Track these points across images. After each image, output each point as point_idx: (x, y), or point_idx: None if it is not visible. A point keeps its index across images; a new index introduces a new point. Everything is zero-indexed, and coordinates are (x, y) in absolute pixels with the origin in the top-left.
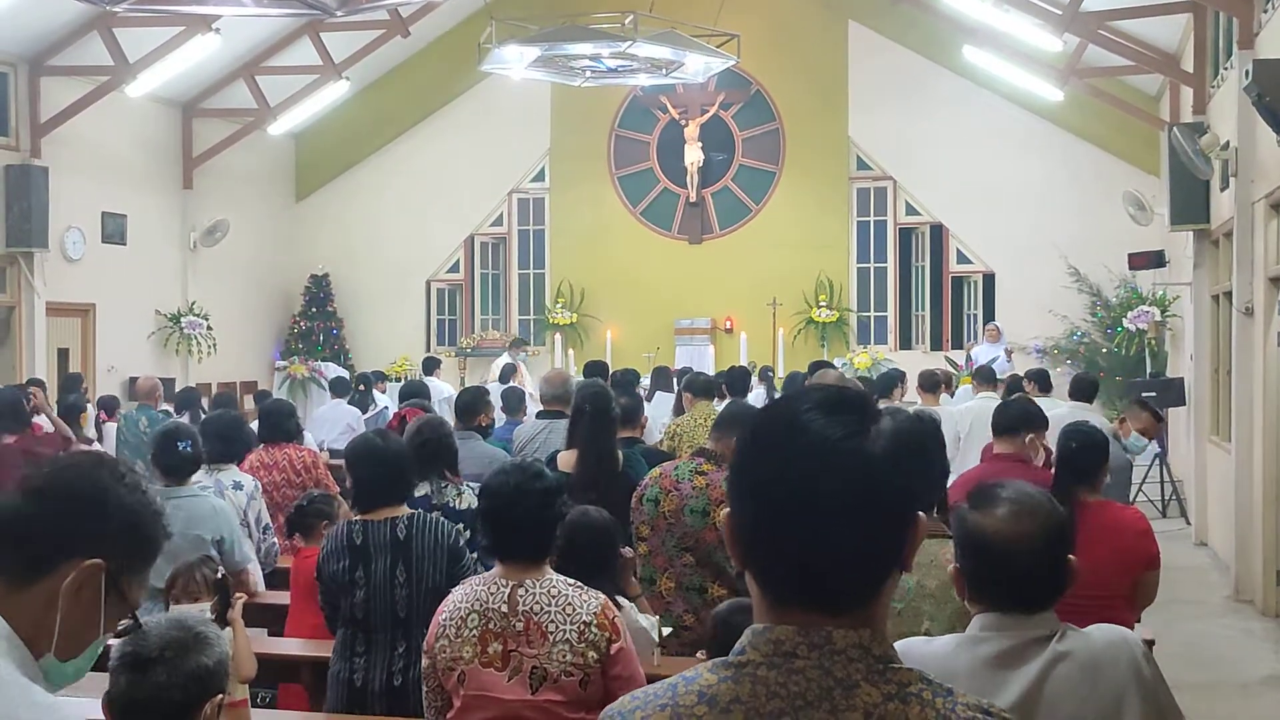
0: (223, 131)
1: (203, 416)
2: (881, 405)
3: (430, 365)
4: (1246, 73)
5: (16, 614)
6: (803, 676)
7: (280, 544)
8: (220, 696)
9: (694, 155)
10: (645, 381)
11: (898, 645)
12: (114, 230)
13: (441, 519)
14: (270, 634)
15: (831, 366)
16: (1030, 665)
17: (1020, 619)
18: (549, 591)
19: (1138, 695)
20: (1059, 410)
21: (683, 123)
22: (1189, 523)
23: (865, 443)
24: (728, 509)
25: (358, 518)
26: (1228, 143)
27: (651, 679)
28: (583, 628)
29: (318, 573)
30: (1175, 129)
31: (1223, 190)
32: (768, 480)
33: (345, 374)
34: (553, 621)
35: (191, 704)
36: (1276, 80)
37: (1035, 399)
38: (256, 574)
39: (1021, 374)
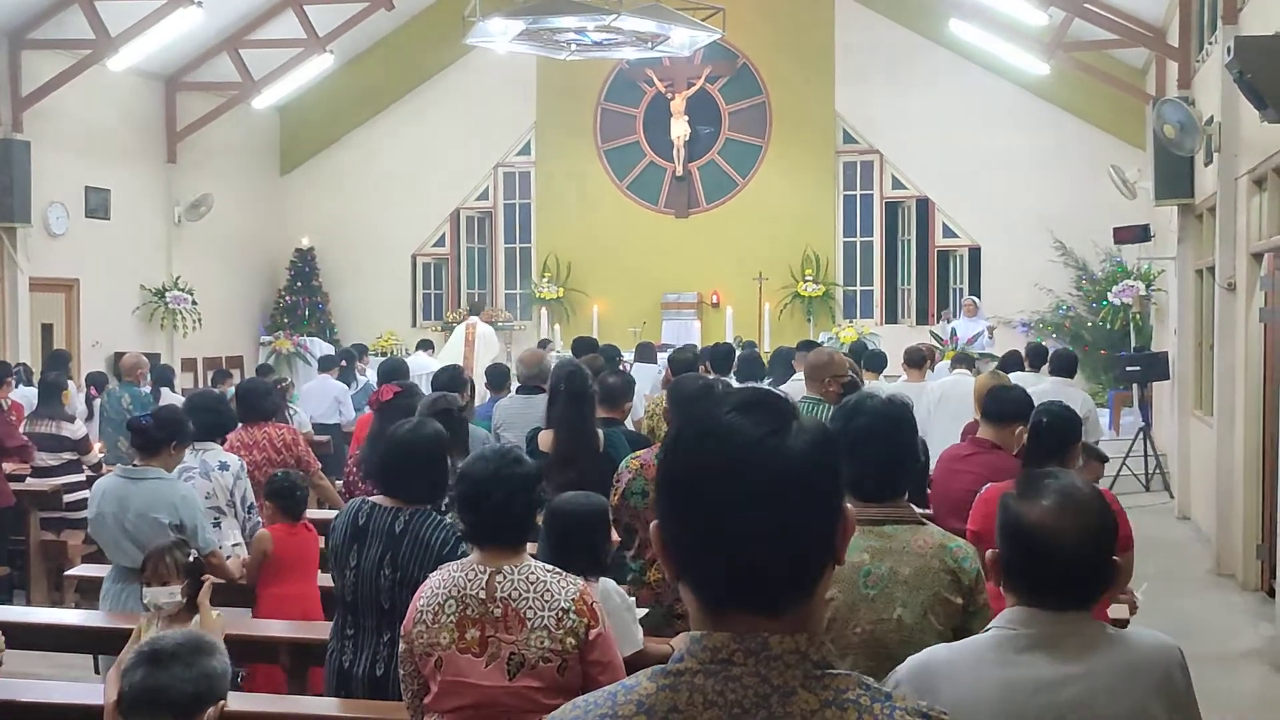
0: (206, 105)
1: (164, 392)
2: (865, 388)
3: (424, 345)
4: (1229, 49)
5: None
6: (739, 684)
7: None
8: (222, 703)
9: (680, 129)
10: (629, 356)
11: (917, 661)
12: (97, 205)
13: (444, 521)
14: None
15: (818, 345)
16: (1067, 664)
17: (1054, 615)
18: (527, 578)
19: (1165, 705)
20: (1041, 386)
21: (669, 96)
22: (1172, 496)
23: (787, 439)
24: (655, 521)
25: (374, 498)
26: (1211, 118)
27: (638, 661)
28: (561, 614)
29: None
30: (1158, 105)
31: (1206, 165)
32: (692, 482)
33: (332, 350)
34: (531, 608)
35: (201, 700)
36: (1258, 57)
37: (1022, 375)
38: (238, 556)
39: (1019, 350)
